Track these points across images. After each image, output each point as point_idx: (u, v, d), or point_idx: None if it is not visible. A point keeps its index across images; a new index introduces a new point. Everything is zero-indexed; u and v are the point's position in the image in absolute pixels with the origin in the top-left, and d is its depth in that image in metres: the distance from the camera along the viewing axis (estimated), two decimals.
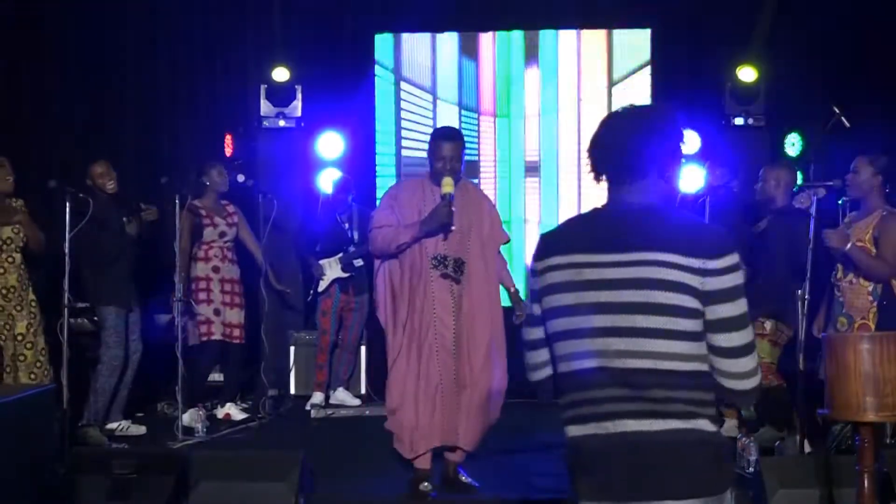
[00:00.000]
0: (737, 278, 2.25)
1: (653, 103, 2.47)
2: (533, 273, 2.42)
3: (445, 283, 4.86)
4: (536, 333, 2.44)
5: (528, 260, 5.20)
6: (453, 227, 4.82)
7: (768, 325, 5.71)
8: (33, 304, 5.87)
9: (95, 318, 6.33)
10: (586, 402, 2.29)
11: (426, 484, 4.95)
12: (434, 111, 8.80)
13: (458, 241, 4.88)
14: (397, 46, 8.86)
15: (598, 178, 2.40)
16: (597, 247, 2.30)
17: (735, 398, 2.31)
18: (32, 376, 5.74)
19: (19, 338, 5.78)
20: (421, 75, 8.85)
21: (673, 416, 2.23)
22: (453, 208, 4.80)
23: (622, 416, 2.25)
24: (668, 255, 2.22)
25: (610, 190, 2.39)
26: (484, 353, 4.87)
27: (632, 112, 2.40)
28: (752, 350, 2.28)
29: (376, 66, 8.80)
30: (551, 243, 2.39)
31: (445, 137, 4.93)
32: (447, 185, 4.76)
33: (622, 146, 2.33)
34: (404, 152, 8.79)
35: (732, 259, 2.25)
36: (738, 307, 2.25)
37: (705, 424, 2.26)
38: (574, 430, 2.33)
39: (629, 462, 2.24)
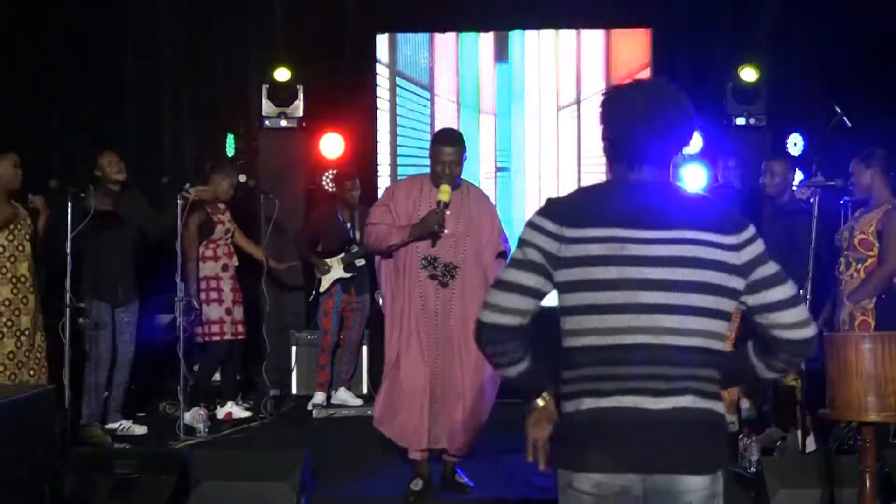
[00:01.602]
0: (762, 244, 2.34)
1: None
2: (548, 233, 2.28)
3: (432, 284, 4.86)
4: (523, 279, 2.30)
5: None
6: (445, 232, 4.81)
7: None
8: (36, 301, 5.85)
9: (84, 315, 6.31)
10: (616, 378, 2.25)
11: (417, 481, 4.97)
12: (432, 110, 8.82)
13: (451, 246, 4.86)
14: (396, 44, 8.88)
15: (620, 152, 2.34)
16: (636, 222, 2.26)
17: (797, 349, 2.34)
18: (31, 373, 5.72)
19: (27, 332, 5.73)
20: (425, 75, 8.87)
21: (705, 396, 2.27)
22: (448, 212, 4.80)
23: (660, 393, 2.24)
24: (708, 234, 2.27)
25: (630, 167, 2.34)
26: (476, 359, 4.82)
27: (670, 87, 2.39)
28: (802, 302, 2.36)
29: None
30: (584, 211, 2.29)
31: (446, 141, 4.88)
32: (443, 192, 4.77)
33: (687, 124, 2.36)
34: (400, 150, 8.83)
35: (752, 228, 2.34)
36: (773, 267, 2.34)
37: (720, 406, 2.33)
38: (591, 403, 2.27)
39: (657, 437, 2.24)
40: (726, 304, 2.29)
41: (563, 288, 2.29)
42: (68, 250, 5.72)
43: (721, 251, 2.27)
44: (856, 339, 3.70)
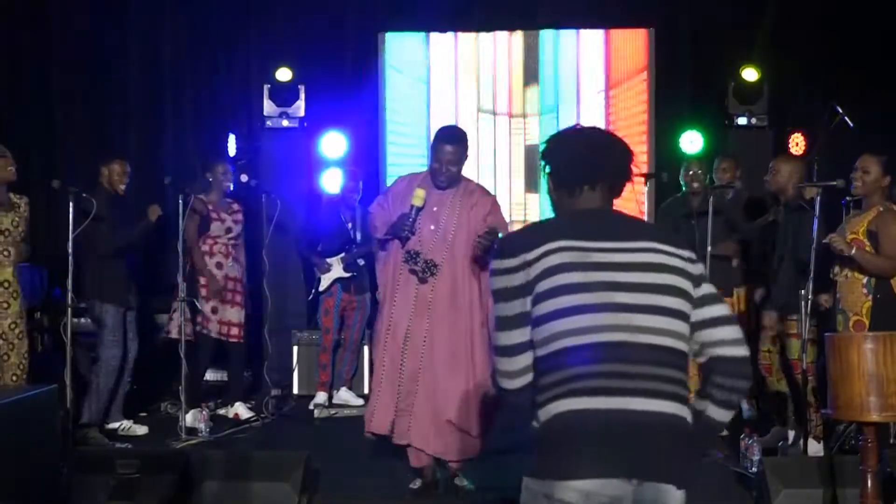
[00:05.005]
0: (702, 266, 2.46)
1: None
2: (512, 269, 2.30)
3: (411, 279, 4.82)
4: (518, 336, 2.31)
5: None
6: (431, 228, 4.79)
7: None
8: (19, 307, 5.79)
9: (95, 316, 6.31)
10: (598, 375, 2.22)
11: (416, 481, 4.97)
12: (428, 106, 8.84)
13: (437, 244, 4.80)
14: (404, 45, 8.90)
15: (582, 182, 2.42)
16: (595, 236, 2.33)
17: (732, 367, 2.36)
18: (14, 378, 5.67)
19: (4, 337, 5.69)
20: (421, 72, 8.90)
21: (676, 399, 2.27)
22: (435, 208, 4.78)
23: (647, 394, 2.22)
24: (664, 245, 2.37)
25: (580, 194, 2.42)
26: (449, 361, 4.76)
27: (599, 128, 2.56)
28: (737, 322, 2.44)
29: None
30: (539, 233, 2.35)
31: (447, 140, 4.80)
32: (417, 197, 4.72)
33: (621, 154, 2.46)
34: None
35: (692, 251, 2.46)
36: (713, 287, 2.44)
37: (688, 413, 2.31)
38: (571, 403, 2.22)
39: (647, 441, 2.21)
40: (687, 308, 2.34)
41: (540, 298, 2.28)
42: (70, 250, 5.71)
43: (679, 259, 2.36)
44: (858, 340, 3.69)
